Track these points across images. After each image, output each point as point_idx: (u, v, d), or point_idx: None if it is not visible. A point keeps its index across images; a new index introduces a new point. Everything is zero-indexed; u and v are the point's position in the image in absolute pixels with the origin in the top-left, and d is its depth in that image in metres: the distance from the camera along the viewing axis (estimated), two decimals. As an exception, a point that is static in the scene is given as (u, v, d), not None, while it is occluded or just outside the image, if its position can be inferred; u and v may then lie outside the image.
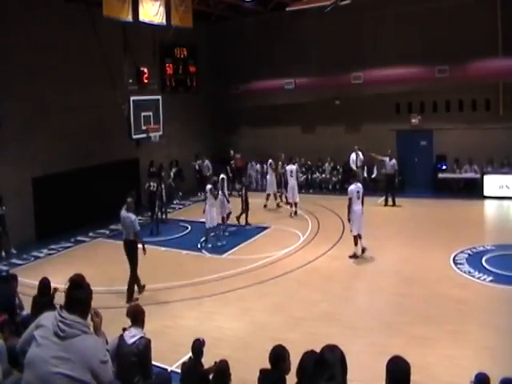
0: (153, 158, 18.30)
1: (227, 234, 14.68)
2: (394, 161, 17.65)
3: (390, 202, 17.62)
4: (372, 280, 10.88)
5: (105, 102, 15.90)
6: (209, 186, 13.90)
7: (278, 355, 4.54)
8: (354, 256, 12.30)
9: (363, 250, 12.33)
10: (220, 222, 14.31)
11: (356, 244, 12.28)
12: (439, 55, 17.87)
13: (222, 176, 15.01)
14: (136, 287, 10.45)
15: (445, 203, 17.31)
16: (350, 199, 12.27)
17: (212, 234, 14.04)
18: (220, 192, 14.38)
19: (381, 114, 19.63)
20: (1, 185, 13.78)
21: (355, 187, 12.46)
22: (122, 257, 11.34)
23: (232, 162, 20.43)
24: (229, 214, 14.87)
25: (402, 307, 9.34)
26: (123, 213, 10.40)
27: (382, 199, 18.02)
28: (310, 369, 3.35)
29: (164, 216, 17.04)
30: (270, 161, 18.43)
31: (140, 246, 10.32)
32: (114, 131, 16.46)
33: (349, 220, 12.43)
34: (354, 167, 19.55)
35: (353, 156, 19.41)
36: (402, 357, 3.44)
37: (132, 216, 10.24)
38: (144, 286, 10.67)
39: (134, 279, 10.34)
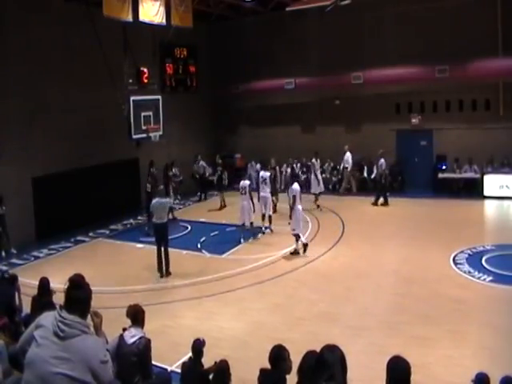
0: (153, 158, 18.26)
1: (259, 235, 14.61)
2: (381, 160, 17.73)
3: (383, 201, 17.74)
4: (372, 280, 10.87)
5: (105, 102, 15.89)
6: (247, 182, 14.13)
7: (278, 355, 4.54)
8: (296, 252, 12.60)
9: (305, 247, 12.68)
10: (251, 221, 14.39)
11: (297, 240, 12.62)
12: (439, 55, 17.87)
13: (262, 174, 15.42)
14: (164, 269, 11.66)
15: (445, 203, 17.31)
16: (294, 197, 12.57)
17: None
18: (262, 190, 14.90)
19: (381, 114, 19.63)
20: (1, 185, 13.78)
21: (298, 187, 12.91)
22: (122, 257, 11.41)
23: (219, 168, 19.17)
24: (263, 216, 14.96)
25: (402, 307, 9.34)
26: (157, 199, 11.86)
27: (381, 199, 18.07)
28: (310, 369, 3.35)
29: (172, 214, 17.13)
30: (313, 160, 18.04)
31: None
32: (114, 131, 16.44)
33: (290, 217, 12.73)
34: (341, 167, 19.75)
35: (348, 156, 19.52)
36: (402, 357, 3.44)
37: (166, 198, 12.39)
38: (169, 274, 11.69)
39: (168, 254, 11.75)
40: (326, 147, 20.63)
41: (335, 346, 3.13)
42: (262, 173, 15.51)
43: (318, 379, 2.99)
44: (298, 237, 12.68)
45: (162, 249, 11.71)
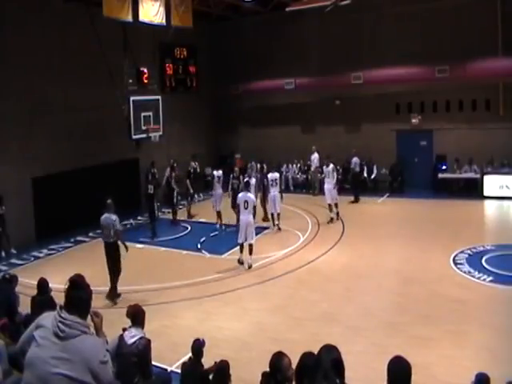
0: (153, 158, 18.30)
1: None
2: (354, 159, 18.44)
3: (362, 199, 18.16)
4: (372, 280, 10.87)
5: (105, 101, 15.89)
6: (277, 175, 15.48)
7: (275, 365, 4.01)
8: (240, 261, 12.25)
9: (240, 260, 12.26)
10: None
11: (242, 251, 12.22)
12: (439, 55, 17.87)
13: (270, 175, 15.58)
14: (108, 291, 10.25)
15: (445, 203, 17.31)
16: (238, 206, 12.29)
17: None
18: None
19: (381, 114, 19.63)
20: (1, 185, 13.77)
21: (242, 196, 12.28)
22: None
23: (193, 173, 17.92)
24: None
25: (402, 307, 9.34)
26: (106, 215, 10.43)
27: (381, 199, 18.06)
28: (307, 369, 3.35)
29: (175, 216, 16.94)
30: (324, 167, 16.47)
31: (121, 245, 10.46)
32: (114, 131, 16.45)
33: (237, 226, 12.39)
34: (312, 168, 19.87)
35: (315, 157, 19.57)
36: (402, 357, 3.44)
37: (113, 216, 10.34)
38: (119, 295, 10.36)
39: (117, 279, 10.35)
40: (326, 147, 20.64)
41: (333, 347, 3.13)
42: (270, 174, 15.46)
43: (314, 379, 3.00)
44: (242, 247, 12.24)
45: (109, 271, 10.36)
